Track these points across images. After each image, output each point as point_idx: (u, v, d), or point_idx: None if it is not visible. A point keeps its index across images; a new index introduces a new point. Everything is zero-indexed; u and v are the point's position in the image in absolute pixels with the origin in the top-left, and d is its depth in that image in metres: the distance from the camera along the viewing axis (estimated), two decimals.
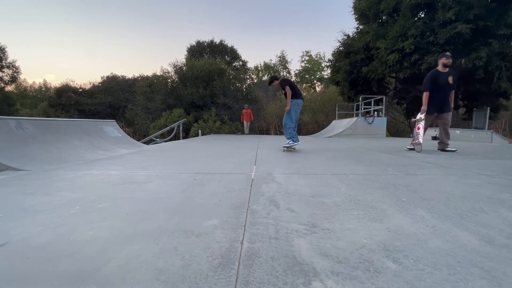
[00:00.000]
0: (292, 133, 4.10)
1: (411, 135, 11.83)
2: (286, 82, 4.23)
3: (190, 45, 24.47)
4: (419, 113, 4.47)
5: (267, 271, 0.79)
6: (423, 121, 4.40)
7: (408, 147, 4.67)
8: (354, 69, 13.31)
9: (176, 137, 11.00)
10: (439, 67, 4.31)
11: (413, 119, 4.77)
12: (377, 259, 0.86)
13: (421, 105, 4.44)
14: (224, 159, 3.41)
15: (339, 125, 12.17)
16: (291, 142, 4.06)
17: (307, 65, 29.85)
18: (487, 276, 0.77)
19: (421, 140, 4.34)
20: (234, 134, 14.13)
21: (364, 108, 12.57)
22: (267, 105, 19.48)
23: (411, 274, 0.78)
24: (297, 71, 30.27)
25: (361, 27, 13.65)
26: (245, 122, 13.58)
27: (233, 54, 24.89)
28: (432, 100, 4.32)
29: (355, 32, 14.07)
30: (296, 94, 4.17)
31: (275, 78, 4.37)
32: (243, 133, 13.75)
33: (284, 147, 4.16)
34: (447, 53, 4.27)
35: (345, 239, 1.01)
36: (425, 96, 4.36)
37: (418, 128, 4.46)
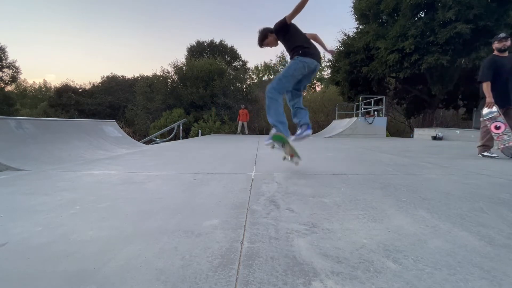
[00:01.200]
0: (278, 111, 2.36)
1: (411, 135, 11.83)
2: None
3: (190, 45, 24.51)
4: (485, 108, 3.60)
5: (267, 271, 0.79)
6: (501, 117, 3.51)
7: (486, 154, 3.66)
8: (354, 69, 13.32)
9: (176, 137, 11.00)
10: (496, 52, 3.64)
11: (481, 119, 3.74)
12: (377, 259, 0.86)
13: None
14: (224, 159, 3.41)
15: (339, 125, 12.17)
16: (273, 130, 2.40)
17: None
18: (487, 276, 0.77)
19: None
20: (235, 134, 14.12)
21: (364, 108, 12.57)
22: None
23: (411, 274, 0.78)
24: None
25: (361, 27, 13.67)
26: (243, 123, 13.59)
27: (233, 54, 24.89)
28: (493, 92, 3.52)
29: (355, 32, 14.09)
30: (306, 50, 2.39)
31: (269, 31, 2.55)
32: (243, 133, 13.75)
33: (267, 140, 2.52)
34: (501, 34, 3.61)
35: (345, 239, 1.01)
36: (485, 86, 3.56)
37: (497, 128, 3.51)
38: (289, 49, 2.51)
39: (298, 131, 2.54)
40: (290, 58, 2.48)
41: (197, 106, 16.92)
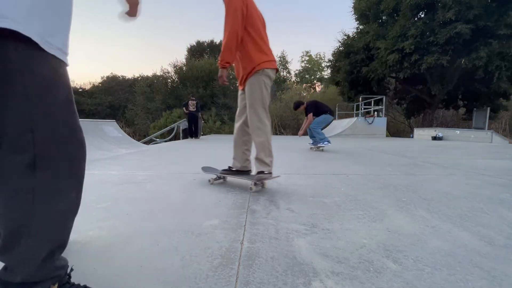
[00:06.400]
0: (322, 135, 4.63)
1: (411, 135, 11.83)
2: (310, 107, 4.80)
3: (190, 45, 24.48)
4: None
5: (267, 271, 0.79)
6: None
7: None
8: (354, 69, 13.32)
9: (176, 137, 11.00)
10: None
11: None
12: (377, 259, 0.86)
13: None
14: (224, 159, 3.41)
15: (339, 125, 12.17)
16: (326, 142, 4.58)
17: (307, 65, 29.87)
18: (487, 276, 0.77)
19: None
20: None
21: (364, 108, 12.57)
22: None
23: (411, 274, 0.78)
24: (297, 71, 30.29)
25: (361, 27, 13.66)
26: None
27: None
28: None
29: (355, 32, 14.09)
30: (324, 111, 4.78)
31: (301, 103, 4.92)
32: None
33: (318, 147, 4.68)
34: None
35: (345, 239, 1.01)
36: None
37: None
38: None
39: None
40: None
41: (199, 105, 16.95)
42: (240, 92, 1.89)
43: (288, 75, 29.96)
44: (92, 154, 3.53)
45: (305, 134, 5.04)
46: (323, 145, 4.53)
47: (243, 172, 1.94)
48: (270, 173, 1.78)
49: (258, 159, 1.79)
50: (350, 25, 48.28)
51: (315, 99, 5.21)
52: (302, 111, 5.02)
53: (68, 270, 0.66)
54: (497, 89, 10.28)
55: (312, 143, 4.78)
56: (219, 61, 1.70)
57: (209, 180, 1.94)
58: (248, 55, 1.71)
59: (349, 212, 1.32)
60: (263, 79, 1.73)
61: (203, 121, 10.01)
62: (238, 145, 1.92)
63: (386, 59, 11.07)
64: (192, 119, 8.55)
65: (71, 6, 0.62)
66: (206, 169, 2.16)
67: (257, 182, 1.74)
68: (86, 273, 0.77)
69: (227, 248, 0.93)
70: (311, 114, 4.66)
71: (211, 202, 1.48)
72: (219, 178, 1.99)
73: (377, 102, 13.05)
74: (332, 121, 4.84)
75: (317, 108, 4.76)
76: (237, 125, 1.91)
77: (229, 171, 1.96)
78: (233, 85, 17.96)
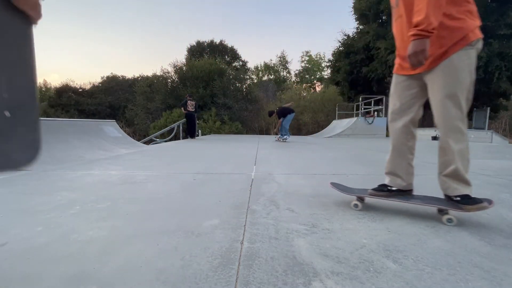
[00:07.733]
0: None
1: None
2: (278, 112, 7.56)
3: (190, 45, 24.50)
4: None
5: (267, 271, 0.79)
6: None
7: None
8: (354, 69, 13.34)
9: (176, 137, 11.00)
10: None
11: None
12: (377, 259, 0.86)
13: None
14: (224, 159, 3.41)
15: (339, 125, 12.17)
16: (288, 137, 7.58)
17: (307, 65, 29.89)
18: (487, 276, 0.77)
19: None
20: (235, 134, 14.09)
21: (364, 108, 12.57)
22: (267, 105, 19.49)
23: (411, 274, 0.78)
24: (297, 71, 30.33)
25: (361, 27, 13.68)
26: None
27: (233, 54, 24.90)
28: None
29: (355, 32, 14.11)
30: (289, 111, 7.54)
31: (273, 112, 7.83)
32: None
33: (282, 139, 7.42)
34: None
35: (345, 239, 1.01)
36: None
37: None
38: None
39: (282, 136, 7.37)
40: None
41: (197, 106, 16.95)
42: (404, 77, 1.33)
43: (288, 75, 30.01)
44: (92, 154, 3.53)
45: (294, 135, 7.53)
46: (286, 137, 7.37)
47: (406, 192, 1.37)
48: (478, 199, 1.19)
49: (455, 175, 1.21)
50: (350, 25, 48.31)
51: (282, 106, 7.90)
52: (275, 117, 7.67)
53: None
54: (497, 89, 10.28)
55: (280, 136, 7.45)
56: (419, 27, 1.05)
57: (356, 205, 1.39)
58: (451, 17, 1.13)
59: (349, 212, 1.32)
60: (474, 55, 1.17)
61: (197, 121, 10.20)
62: (402, 153, 1.35)
63: (386, 59, 11.08)
64: (191, 119, 8.65)
65: None
66: (339, 186, 1.57)
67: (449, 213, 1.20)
68: (86, 273, 0.77)
69: (227, 248, 0.93)
70: (280, 118, 7.35)
71: (211, 202, 1.48)
72: (362, 200, 1.43)
73: (377, 102, 13.05)
74: (294, 115, 7.59)
75: (284, 112, 7.36)
76: (398, 125, 1.36)
77: (387, 191, 1.37)
78: (233, 85, 17.96)
